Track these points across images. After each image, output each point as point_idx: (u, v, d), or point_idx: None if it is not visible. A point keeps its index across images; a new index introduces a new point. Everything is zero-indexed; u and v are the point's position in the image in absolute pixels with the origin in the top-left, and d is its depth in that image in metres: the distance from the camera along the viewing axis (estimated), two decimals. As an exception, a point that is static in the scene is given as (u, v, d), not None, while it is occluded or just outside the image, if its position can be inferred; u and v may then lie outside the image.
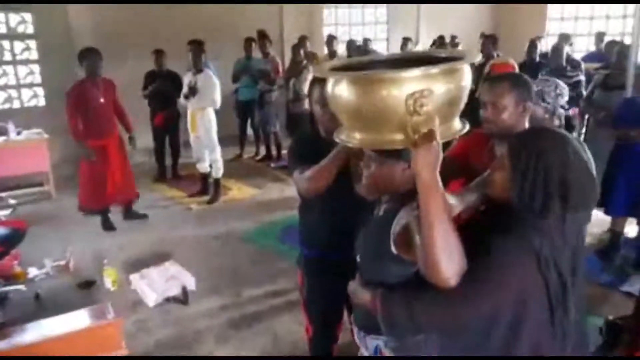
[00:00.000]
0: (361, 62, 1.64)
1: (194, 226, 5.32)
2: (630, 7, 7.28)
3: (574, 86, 5.09)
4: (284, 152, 7.43)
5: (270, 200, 6.07)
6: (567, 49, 5.75)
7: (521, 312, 1.34)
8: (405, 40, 8.26)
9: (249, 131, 7.69)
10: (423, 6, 8.35)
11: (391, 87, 1.27)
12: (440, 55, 1.53)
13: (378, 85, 1.28)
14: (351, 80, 1.36)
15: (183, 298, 3.80)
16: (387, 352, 1.62)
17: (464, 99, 1.40)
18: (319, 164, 2.02)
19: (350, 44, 7.90)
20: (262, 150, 7.67)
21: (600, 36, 7.27)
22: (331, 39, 8.05)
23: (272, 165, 7.34)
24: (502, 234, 1.34)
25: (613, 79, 4.78)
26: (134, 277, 3.99)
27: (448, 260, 1.26)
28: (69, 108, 4.79)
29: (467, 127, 1.47)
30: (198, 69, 5.70)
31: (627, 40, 5.93)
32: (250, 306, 3.77)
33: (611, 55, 5.85)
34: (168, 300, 3.79)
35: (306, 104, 6.68)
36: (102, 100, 4.91)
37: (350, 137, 1.45)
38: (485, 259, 1.31)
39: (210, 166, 6.01)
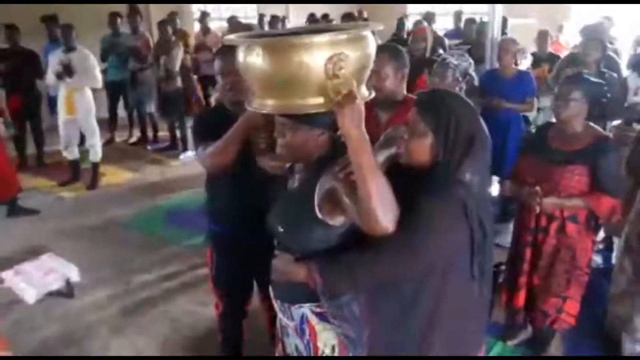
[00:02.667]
0: (262, 36, 1.63)
1: (69, 216, 4.92)
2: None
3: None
4: (161, 133, 7.17)
5: (151, 184, 5.81)
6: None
7: (450, 263, 1.45)
8: (275, 18, 8.24)
9: (121, 113, 7.21)
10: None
11: (312, 52, 1.30)
12: (340, 27, 1.58)
13: (298, 51, 1.31)
14: (269, 46, 1.37)
15: (67, 291, 3.54)
16: (313, 320, 1.65)
17: (371, 66, 1.48)
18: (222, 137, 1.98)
19: (231, 20, 7.68)
20: (136, 133, 7.26)
21: (458, 15, 7.85)
22: (204, 16, 7.80)
23: (150, 147, 7.00)
24: (426, 195, 1.40)
25: (473, 53, 5.21)
26: (7, 274, 3.63)
27: (384, 210, 1.32)
28: None
29: (373, 94, 1.55)
30: (70, 46, 5.26)
31: (484, 19, 6.45)
32: (142, 293, 3.61)
33: (470, 32, 6.38)
34: (50, 295, 3.50)
35: (179, 82, 6.47)
36: None
37: (264, 105, 1.45)
38: (417, 220, 1.37)
39: (87, 151, 5.61)
